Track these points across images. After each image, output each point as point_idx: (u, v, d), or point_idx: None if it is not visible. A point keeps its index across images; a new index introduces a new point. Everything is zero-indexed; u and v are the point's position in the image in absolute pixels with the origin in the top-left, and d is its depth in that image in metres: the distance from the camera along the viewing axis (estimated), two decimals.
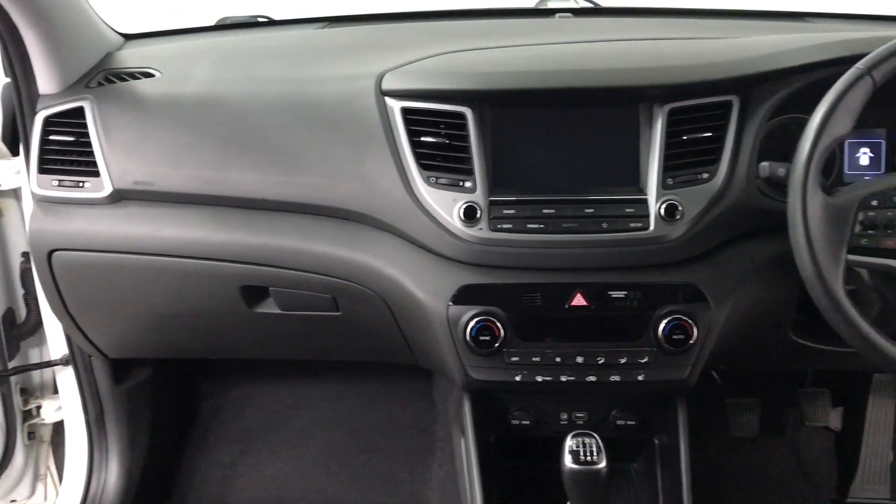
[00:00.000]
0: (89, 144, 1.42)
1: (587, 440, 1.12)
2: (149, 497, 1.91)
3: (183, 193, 1.40)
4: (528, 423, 1.46)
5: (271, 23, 1.85)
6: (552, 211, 1.29)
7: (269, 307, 1.48)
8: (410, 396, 2.14)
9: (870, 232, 1.07)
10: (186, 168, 1.39)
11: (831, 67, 1.22)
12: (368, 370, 2.16)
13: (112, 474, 1.83)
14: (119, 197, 1.43)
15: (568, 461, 1.11)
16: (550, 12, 1.81)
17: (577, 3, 1.89)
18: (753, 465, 2.02)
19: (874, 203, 1.08)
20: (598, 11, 1.87)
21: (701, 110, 1.29)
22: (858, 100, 1.08)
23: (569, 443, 1.12)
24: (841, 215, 1.08)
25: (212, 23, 1.85)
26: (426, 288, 1.32)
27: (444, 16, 1.82)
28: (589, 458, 1.10)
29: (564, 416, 1.44)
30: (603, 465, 1.10)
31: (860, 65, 1.08)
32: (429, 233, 1.30)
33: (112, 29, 1.67)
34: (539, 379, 1.32)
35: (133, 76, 1.50)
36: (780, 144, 1.34)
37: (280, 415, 2.13)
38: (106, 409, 1.79)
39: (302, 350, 1.67)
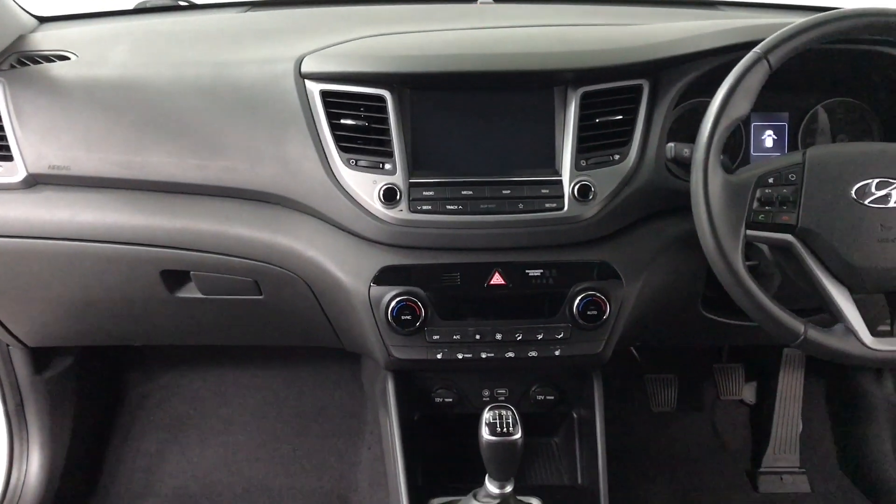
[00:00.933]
0: (1, 128, 1.39)
1: (503, 412, 1.15)
2: (73, 489, 1.89)
3: (99, 177, 1.38)
4: (450, 400, 1.49)
5: (191, 7, 1.83)
6: (470, 192, 1.31)
7: (190, 292, 1.47)
8: (339, 381, 2.15)
9: (767, 208, 1.13)
10: (103, 152, 1.37)
11: (733, 52, 1.27)
12: (296, 356, 2.16)
13: (34, 466, 1.80)
14: (34, 182, 1.40)
15: (485, 433, 1.14)
16: None
17: None
18: (672, 439, 2.09)
19: (770, 181, 1.13)
20: None
21: (612, 94, 1.33)
22: (756, 82, 1.13)
23: (486, 416, 1.15)
24: (739, 193, 1.13)
25: (130, 6, 1.82)
26: (347, 269, 1.34)
27: (365, 0, 1.83)
28: (505, 430, 1.13)
29: (486, 393, 1.48)
30: (518, 436, 1.13)
31: (757, 49, 1.13)
32: (349, 214, 1.32)
33: (25, 10, 1.63)
34: (460, 356, 1.35)
35: (48, 59, 1.47)
36: (689, 127, 1.39)
37: (207, 402, 2.12)
38: (26, 400, 1.76)
39: (226, 335, 1.66)
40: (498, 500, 1.20)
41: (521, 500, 1.30)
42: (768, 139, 1.48)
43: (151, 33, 1.59)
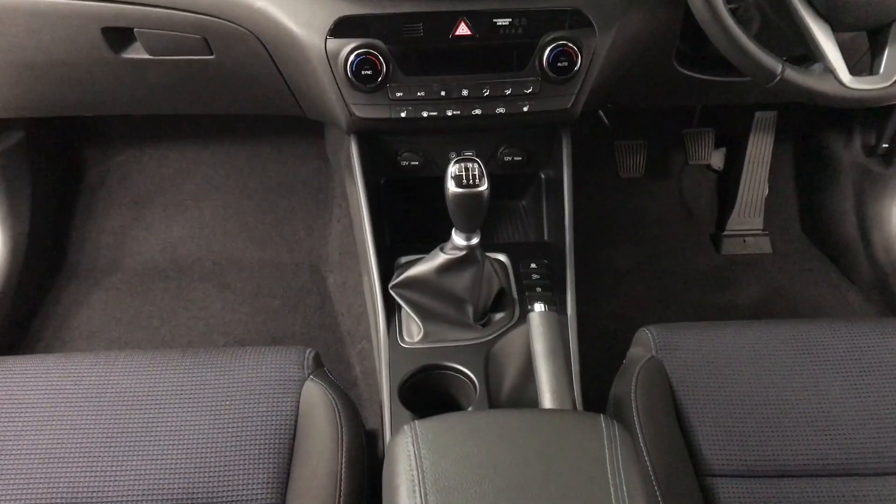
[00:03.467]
0: None
1: (469, 164, 1.12)
2: (37, 266, 1.88)
3: None
4: (416, 163, 1.45)
5: None
6: None
7: (137, 52, 1.38)
8: (303, 157, 2.11)
9: None
10: None
11: None
12: (258, 132, 2.10)
13: None
14: None
15: (451, 185, 1.11)
16: None
17: None
18: (640, 205, 2.11)
19: None
20: None
21: None
22: None
23: (452, 168, 1.12)
24: None
25: None
26: (301, 20, 1.24)
27: None
28: (471, 182, 1.11)
29: (453, 155, 1.44)
30: (485, 187, 1.11)
31: None
32: None
33: None
34: (425, 114, 1.30)
35: None
36: None
37: (169, 179, 2.08)
38: None
39: (180, 101, 1.59)
40: (464, 252, 1.20)
41: (488, 257, 1.31)
42: None
43: None
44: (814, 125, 2.03)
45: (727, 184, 2.12)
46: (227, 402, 1.10)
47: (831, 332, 1.19)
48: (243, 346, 1.27)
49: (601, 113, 1.93)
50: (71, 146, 2.04)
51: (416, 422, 0.82)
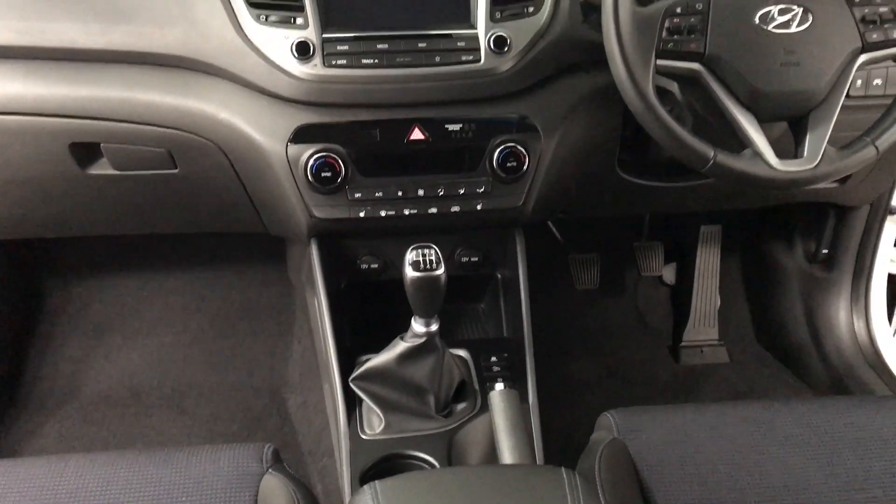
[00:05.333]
0: None
1: (426, 250, 1.16)
2: None
3: None
4: (376, 266, 1.49)
5: None
6: (386, 46, 1.30)
7: (102, 168, 1.43)
8: (265, 281, 2.14)
9: (675, 37, 1.15)
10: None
11: None
12: (220, 256, 2.13)
13: None
14: None
15: (409, 271, 1.14)
16: None
17: None
18: (597, 317, 2.15)
19: (678, 10, 1.15)
20: None
21: None
22: None
23: (409, 255, 1.16)
24: (649, 23, 1.14)
25: None
26: (263, 129, 1.31)
27: None
28: (428, 266, 1.14)
29: None
30: (441, 271, 1.15)
31: None
32: (262, 72, 1.29)
33: None
34: (383, 213, 1.35)
35: None
36: None
37: (130, 307, 2.08)
38: None
39: (143, 220, 1.62)
40: (424, 339, 1.21)
41: (449, 352, 1.32)
42: None
43: None
44: (757, 236, 2.13)
45: (680, 296, 2.19)
46: (184, 499, 1.06)
47: (788, 410, 1.21)
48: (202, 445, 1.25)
49: (553, 227, 2.01)
50: (31, 273, 2.04)
51: (377, 482, 0.80)
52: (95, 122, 1.35)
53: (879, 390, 1.84)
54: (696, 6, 1.16)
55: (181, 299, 2.09)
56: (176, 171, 1.42)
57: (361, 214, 1.35)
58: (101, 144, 1.39)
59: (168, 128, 1.35)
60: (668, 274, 2.21)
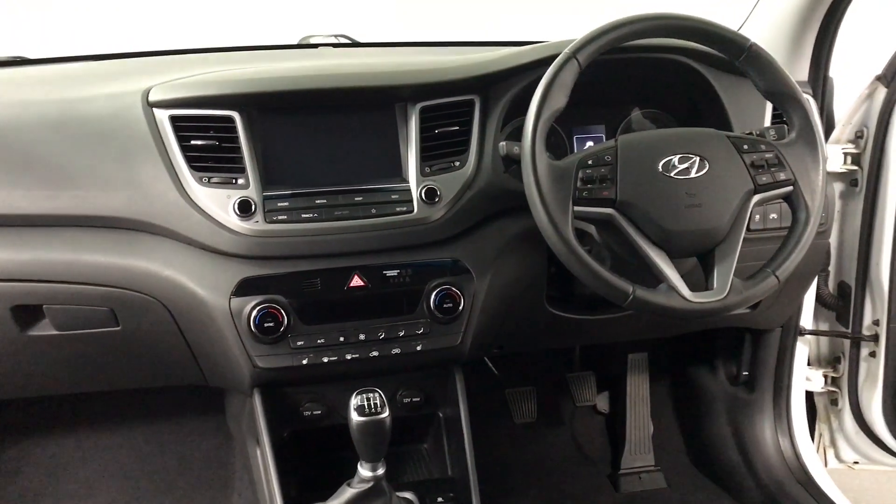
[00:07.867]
0: None
1: (370, 395, 1.20)
2: None
3: None
4: (319, 412, 1.51)
5: (34, 61, 1.83)
6: (324, 201, 1.38)
7: (43, 329, 1.43)
8: (203, 432, 2.11)
9: (589, 186, 1.26)
10: None
11: (550, 64, 1.43)
12: (156, 411, 2.10)
13: None
14: None
15: (354, 416, 1.18)
16: (314, 46, 1.96)
17: (337, 39, 2.05)
18: (536, 451, 2.19)
19: (590, 162, 1.27)
20: (356, 45, 2.03)
21: (448, 108, 1.46)
22: (569, 78, 1.28)
23: (354, 400, 1.20)
24: (564, 175, 1.26)
25: None
26: (206, 284, 1.36)
27: (214, 51, 1.90)
28: (373, 410, 1.18)
29: None
30: (386, 414, 1.19)
31: (567, 50, 1.29)
32: (205, 230, 1.35)
33: None
34: (325, 360, 1.39)
35: None
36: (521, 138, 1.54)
37: (64, 468, 2.01)
38: None
39: (83, 379, 1.61)
40: (371, 483, 1.23)
41: (396, 496, 1.34)
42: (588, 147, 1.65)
43: None
44: (682, 361, 2.22)
45: (615, 424, 2.25)
46: None
47: None
48: None
49: (489, 363, 2.07)
50: None
51: None
52: (39, 284, 1.38)
53: None
54: (606, 158, 1.28)
55: (118, 455, 2.04)
56: (118, 328, 1.44)
57: (304, 362, 1.38)
58: (44, 306, 1.41)
59: (112, 287, 1.38)
60: (602, 403, 2.28)
